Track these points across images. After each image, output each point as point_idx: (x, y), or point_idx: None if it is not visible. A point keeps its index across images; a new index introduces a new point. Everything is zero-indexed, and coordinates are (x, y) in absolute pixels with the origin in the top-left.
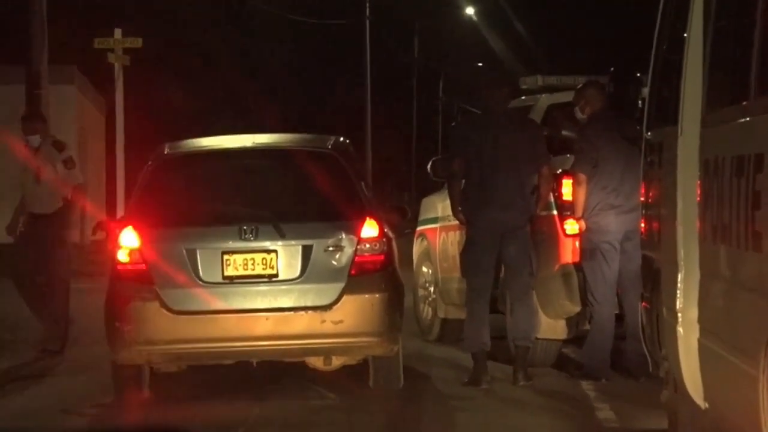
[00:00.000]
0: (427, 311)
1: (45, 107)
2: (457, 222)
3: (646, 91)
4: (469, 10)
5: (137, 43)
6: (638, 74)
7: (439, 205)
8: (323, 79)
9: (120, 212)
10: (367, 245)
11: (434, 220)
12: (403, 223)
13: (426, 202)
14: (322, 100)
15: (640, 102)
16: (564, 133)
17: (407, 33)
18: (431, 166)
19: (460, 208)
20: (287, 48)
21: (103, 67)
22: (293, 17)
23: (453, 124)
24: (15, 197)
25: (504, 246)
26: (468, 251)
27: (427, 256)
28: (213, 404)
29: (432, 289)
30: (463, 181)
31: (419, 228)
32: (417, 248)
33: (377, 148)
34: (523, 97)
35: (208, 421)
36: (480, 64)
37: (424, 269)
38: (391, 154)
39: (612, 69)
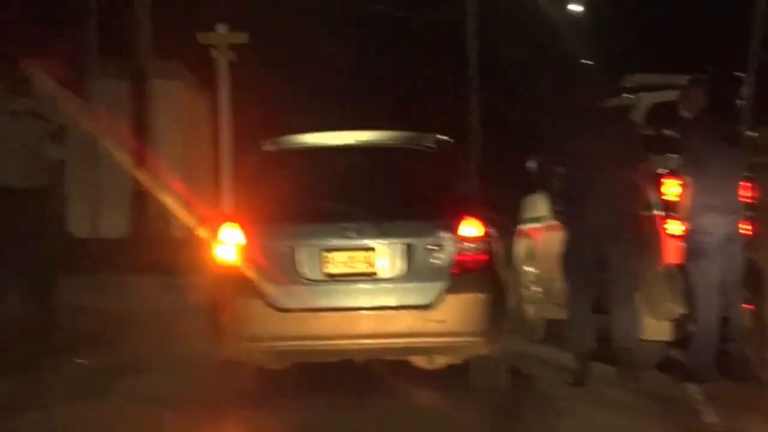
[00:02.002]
0: (531, 311)
1: (150, 102)
2: (559, 221)
3: (744, 90)
4: (574, 7)
5: (242, 38)
6: (737, 73)
7: (541, 204)
8: (429, 75)
9: (226, 208)
10: (470, 244)
11: (537, 219)
12: (505, 222)
13: (528, 200)
14: (428, 98)
15: (738, 102)
16: (666, 132)
17: (512, 31)
18: (533, 164)
19: (559, 208)
20: (393, 44)
21: (209, 63)
22: (399, 13)
23: (551, 122)
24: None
25: (606, 247)
26: (569, 252)
27: (531, 255)
28: (315, 402)
29: (536, 288)
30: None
31: (522, 227)
32: (520, 248)
33: (486, 147)
34: (624, 95)
35: (309, 419)
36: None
37: (528, 269)
38: (499, 154)
39: (710, 68)
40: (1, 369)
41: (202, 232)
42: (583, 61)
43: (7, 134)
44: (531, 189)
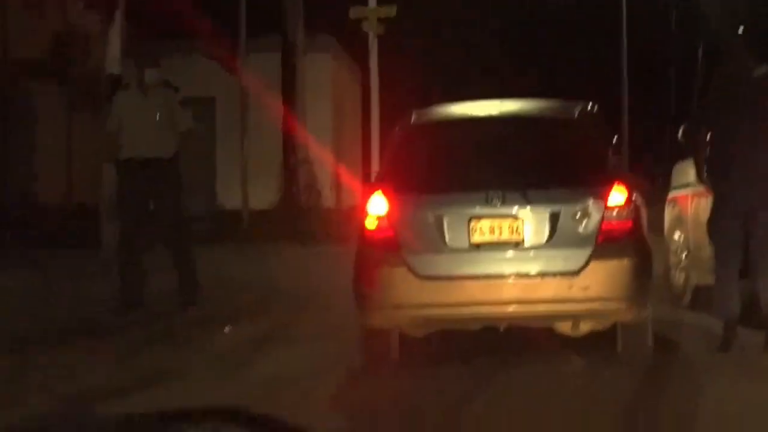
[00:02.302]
0: (678, 277)
1: (301, 76)
2: (706, 187)
3: None
4: None
5: (391, 12)
6: None
7: (691, 171)
8: (579, 47)
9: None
10: (615, 211)
11: (686, 186)
12: (652, 189)
13: (678, 168)
14: (578, 69)
15: None
16: None
17: (665, 3)
18: (682, 133)
19: (705, 174)
20: (541, 15)
21: (359, 36)
22: None
23: (703, 92)
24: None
25: (751, 217)
26: (715, 218)
27: (679, 222)
28: (459, 369)
29: (684, 255)
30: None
31: (671, 194)
32: (669, 214)
33: (635, 116)
34: None
35: (453, 385)
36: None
37: (676, 236)
38: (648, 122)
39: None
40: (150, 338)
41: (350, 203)
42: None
43: (142, 106)
44: (680, 156)
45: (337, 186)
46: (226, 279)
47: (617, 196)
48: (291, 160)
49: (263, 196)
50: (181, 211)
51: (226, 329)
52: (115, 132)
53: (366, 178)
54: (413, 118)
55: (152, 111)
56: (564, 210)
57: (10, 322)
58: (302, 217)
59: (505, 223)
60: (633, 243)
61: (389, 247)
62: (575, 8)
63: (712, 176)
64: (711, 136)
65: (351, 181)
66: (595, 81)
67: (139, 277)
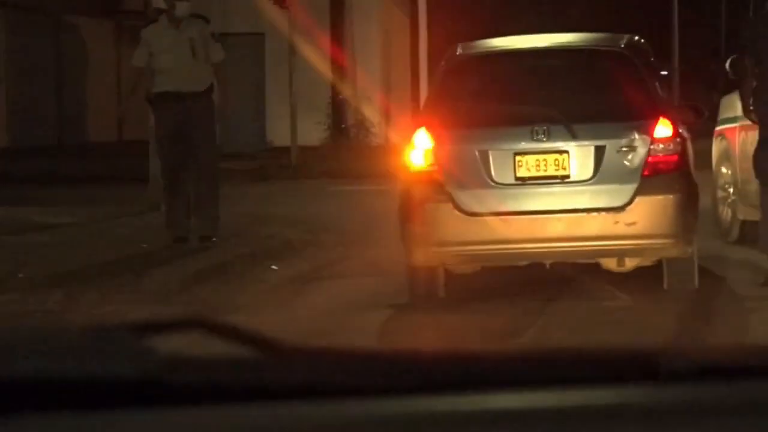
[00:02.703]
0: (726, 212)
1: (349, 9)
2: (752, 120)
3: None
4: None
5: None
6: None
7: (738, 104)
8: None
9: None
10: (661, 145)
11: (734, 120)
12: (699, 122)
13: (725, 101)
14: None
15: None
16: None
17: None
18: (730, 64)
19: (751, 107)
20: None
21: None
22: None
23: (745, 20)
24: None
25: None
26: (761, 151)
27: (727, 156)
28: (505, 305)
29: (731, 190)
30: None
31: (719, 128)
32: (716, 148)
33: (685, 47)
34: None
35: (498, 321)
36: None
37: (724, 170)
38: (698, 53)
39: None
40: (199, 273)
41: (397, 139)
42: None
43: (176, 40)
44: (728, 89)
45: (387, 122)
46: (274, 216)
47: (663, 129)
48: (340, 96)
49: (313, 132)
50: (215, 144)
51: (274, 266)
52: (142, 66)
53: (415, 114)
54: (458, 51)
55: (185, 44)
56: (609, 144)
57: (60, 259)
58: (351, 153)
59: (551, 158)
60: (679, 178)
61: (434, 184)
62: None
63: (760, 103)
64: (758, 64)
65: (400, 117)
66: (644, 13)
67: (185, 211)
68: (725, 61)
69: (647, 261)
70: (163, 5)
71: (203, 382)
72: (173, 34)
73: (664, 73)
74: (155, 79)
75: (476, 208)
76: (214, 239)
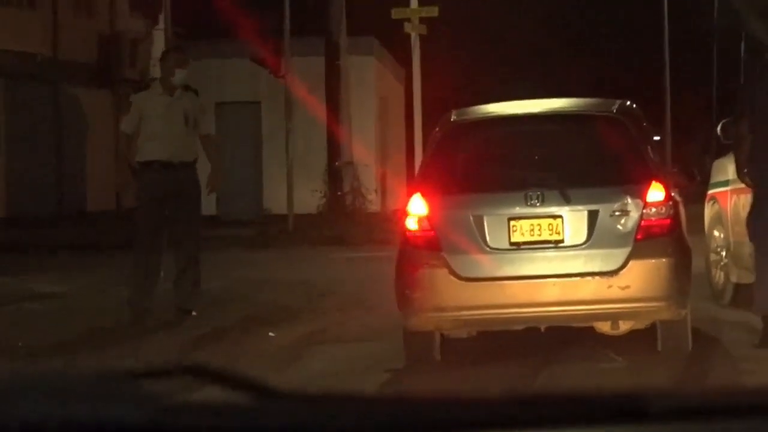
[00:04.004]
0: (719, 276)
1: (345, 78)
2: (746, 184)
3: None
4: None
5: (433, 11)
6: None
7: (730, 168)
8: (620, 42)
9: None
10: (653, 209)
11: (725, 183)
12: (691, 186)
13: (717, 164)
14: (620, 64)
15: None
16: None
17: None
18: (721, 128)
19: (746, 171)
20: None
21: (401, 37)
22: None
23: (740, 83)
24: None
25: None
26: (756, 214)
27: (719, 220)
28: (501, 369)
29: (724, 253)
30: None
31: (710, 191)
32: (708, 212)
33: (677, 113)
34: None
35: (494, 385)
36: None
37: (716, 233)
38: (690, 118)
39: None
40: (197, 340)
41: (395, 206)
42: None
43: (170, 108)
44: (720, 154)
45: (383, 189)
46: (271, 282)
47: (656, 193)
48: (336, 163)
49: (309, 199)
50: (199, 216)
51: (271, 333)
52: (130, 133)
53: (410, 180)
54: (452, 118)
55: (179, 112)
56: (603, 208)
57: (58, 328)
58: (347, 220)
59: (545, 223)
60: (672, 241)
61: (430, 249)
62: (617, 4)
63: (756, 166)
64: (752, 129)
65: (396, 184)
66: (637, 77)
67: (151, 289)
68: (717, 126)
69: (641, 324)
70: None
71: (204, 427)
72: (167, 101)
73: (656, 137)
74: (145, 145)
75: (471, 273)
76: (193, 313)
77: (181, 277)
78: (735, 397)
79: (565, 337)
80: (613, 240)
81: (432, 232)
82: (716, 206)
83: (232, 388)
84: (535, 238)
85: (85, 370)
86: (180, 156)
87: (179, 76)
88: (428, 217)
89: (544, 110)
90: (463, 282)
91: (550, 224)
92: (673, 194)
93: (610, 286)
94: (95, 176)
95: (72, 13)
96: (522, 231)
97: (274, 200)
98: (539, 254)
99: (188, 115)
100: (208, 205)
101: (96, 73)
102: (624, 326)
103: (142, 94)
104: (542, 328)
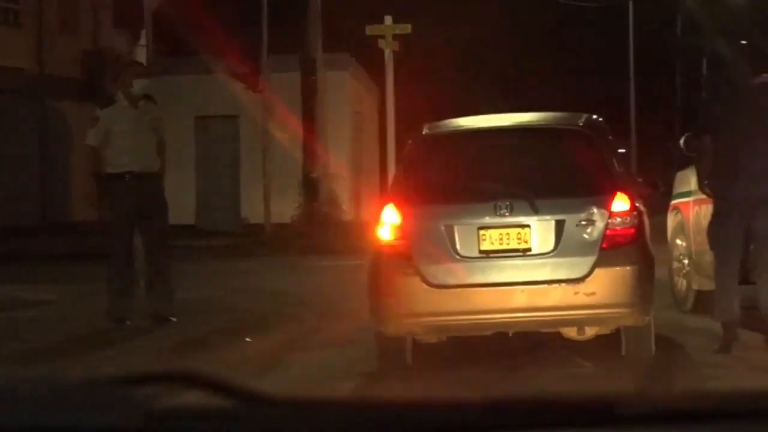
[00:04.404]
0: (681, 283)
1: (320, 93)
2: (706, 194)
3: None
4: None
5: (406, 29)
6: None
7: (692, 179)
8: (588, 58)
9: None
10: (618, 219)
11: (688, 194)
12: (655, 197)
13: (680, 176)
14: (587, 79)
15: None
16: None
17: (670, 11)
18: (684, 141)
19: (706, 182)
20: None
21: (376, 53)
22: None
23: (701, 99)
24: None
25: (753, 218)
26: (716, 223)
27: (681, 229)
28: (471, 373)
29: (686, 261)
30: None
31: (673, 201)
32: (671, 221)
33: (641, 126)
34: None
35: (464, 389)
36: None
37: (679, 242)
38: (655, 131)
39: None
40: (176, 346)
41: (369, 216)
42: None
43: (136, 120)
44: (683, 165)
45: (357, 199)
46: (248, 290)
47: (620, 204)
48: (311, 175)
49: (286, 210)
50: (168, 225)
51: (248, 339)
52: (96, 146)
53: (383, 191)
54: (424, 131)
55: (146, 125)
56: (569, 218)
57: (43, 335)
58: (322, 230)
59: (513, 232)
60: (636, 250)
61: (402, 257)
62: (583, 21)
63: (716, 178)
64: (713, 142)
65: (370, 195)
66: (603, 92)
67: (130, 293)
68: (680, 139)
69: (606, 329)
70: (143, 89)
71: None
72: (134, 114)
73: (621, 150)
74: (115, 158)
75: (442, 281)
76: (173, 319)
77: (153, 286)
78: (701, 402)
79: (533, 342)
80: (580, 249)
81: (404, 241)
82: (679, 216)
83: (216, 394)
84: (504, 246)
85: (71, 377)
86: (150, 167)
87: (139, 85)
88: (401, 227)
89: (514, 124)
90: (434, 289)
91: (518, 233)
92: (637, 205)
93: (576, 293)
94: (79, 187)
95: (57, 30)
96: (491, 240)
97: (252, 210)
98: (508, 262)
99: (154, 126)
100: (187, 215)
101: (80, 87)
102: (590, 332)
103: (108, 109)
104: (510, 334)
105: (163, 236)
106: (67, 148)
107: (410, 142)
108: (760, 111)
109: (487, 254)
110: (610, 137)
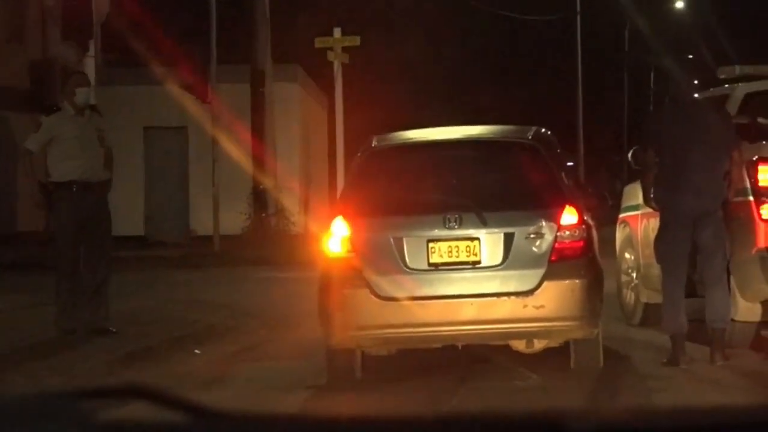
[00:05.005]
0: (629, 296)
1: (269, 104)
2: (652, 208)
3: None
4: (679, 4)
5: (355, 41)
6: None
7: (640, 193)
8: (537, 72)
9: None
10: (567, 232)
11: (636, 208)
12: (603, 210)
13: (628, 189)
14: (536, 93)
15: None
16: (760, 120)
17: (618, 26)
18: (632, 155)
19: (651, 196)
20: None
21: (325, 65)
22: (504, 13)
23: (646, 114)
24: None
25: (698, 231)
26: (662, 237)
27: (630, 242)
28: (420, 385)
29: (634, 274)
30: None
31: (622, 215)
32: (619, 235)
33: (590, 139)
34: (723, 86)
35: (413, 401)
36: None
37: (627, 255)
38: (603, 144)
39: None
40: (125, 357)
41: (315, 227)
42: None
43: (84, 129)
44: (631, 179)
45: (306, 211)
46: (197, 302)
47: (569, 217)
48: (260, 186)
49: (235, 221)
50: (111, 236)
51: (197, 351)
52: (34, 151)
53: (332, 203)
54: (373, 143)
55: (94, 133)
56: (518, 231)
57: None
58: (271, 242)
59: (462, 245)
60: (584, 263)
61: (351, 269)
62: (532, 35)
63: (661, 191)
64: (658, 156)
65: (319, 207)
66: (552, 105)
67: (77, 303)
68: (628, 153)
69: (555, 342)
70: (89, 100)
71: None
72: (81, 123)
73: (570, 163)
74: (61, 166)
75: (391, 293)
76: (113, 330)
77: (95, 298)
78: (648, 417)
79: (482, 354)
80: (528, 261)
81: (353, 254)
82: (627, 229)
83: (162, 408)
84: (453, 259)
85: (15, 389)
86: (97, 176)
87: (81, 95)
88: (350, 239)
89: (463, 137)
90: (383, 301)
91: (467, 246)
92: (585, 218)
93: (525, 306)
94: (25, 197)
95: (4, 40)
96: (440, 252)
97: (200, 222)
98: (457, 275)
99: (100, 135)
100: (135, 226)
101: (27, 98)
102: (538, 344)
103: (54, 117)
104: (459, 346)
105: (107, 248)
106: (13, 159)
107: (359, 154)
108: (701, 125)
109: (437, 267)
110: (558, 150)
